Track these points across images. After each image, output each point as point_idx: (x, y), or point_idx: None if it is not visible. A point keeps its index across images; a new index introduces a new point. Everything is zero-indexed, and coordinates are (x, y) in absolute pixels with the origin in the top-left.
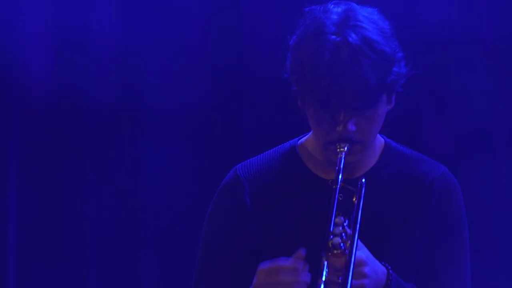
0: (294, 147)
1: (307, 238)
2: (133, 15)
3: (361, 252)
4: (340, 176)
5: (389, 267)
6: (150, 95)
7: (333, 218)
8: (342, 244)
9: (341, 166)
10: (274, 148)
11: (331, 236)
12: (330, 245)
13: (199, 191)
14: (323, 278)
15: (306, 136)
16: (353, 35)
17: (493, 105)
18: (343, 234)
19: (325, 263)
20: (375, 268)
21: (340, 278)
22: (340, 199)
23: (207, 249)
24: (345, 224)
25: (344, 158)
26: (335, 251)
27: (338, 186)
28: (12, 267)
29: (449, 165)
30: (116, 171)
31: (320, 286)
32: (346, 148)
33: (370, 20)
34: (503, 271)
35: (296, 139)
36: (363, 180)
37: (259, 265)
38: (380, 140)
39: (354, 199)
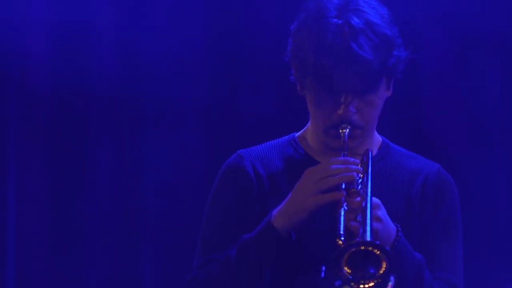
0: (293, 137)
1: (311, 221)
2: (135, 7)
3: (375, 198)
4: (345, 147)
5: (398, 225)
6: (151, 87)
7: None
8: (359, 186)
9: (346, 140)
10: (273, 140)
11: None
12: (348, 183)
13: (200, 183)
14: (342, 212)
15: (304, 129)
16: (355, 18)
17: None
18: (359, 176)
19: (344, 197)
20: (387, 217)
21: (358, 217)
22: None
23: (213, 226)
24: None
25: (347, 136)
26: (352, 190)
27: (342, 154)
28: (12, 265)
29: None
30: (117, 166)
31: (341, 218)
32: (348, 129)
33: (370, 5)
34: (503, 269)
35: (294, 133)
36: (369, 149)
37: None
38: (378, 137)
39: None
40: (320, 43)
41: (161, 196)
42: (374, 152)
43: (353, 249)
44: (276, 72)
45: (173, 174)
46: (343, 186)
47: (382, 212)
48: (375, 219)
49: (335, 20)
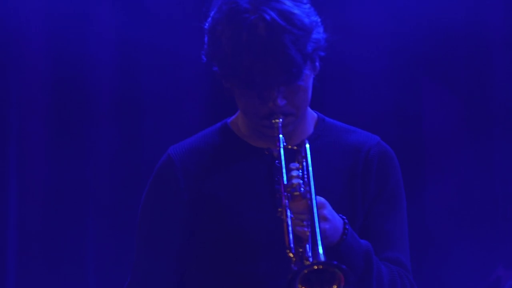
0: (225, 123)
1: (249, 206)
2: (133, 7)
3: (319, 197)
4: (282, 137)
5: (345, 218)
6: (148, 85)
7: (284, 165)
8: (302, 188)
9: (280, 132)
10: (206, 129)
11: (290, 180)
12: (290, 188)
13: None
14: (289, 221)
15: (234, 115)
16: (269, 11)
17: None
18: (300, 181)
19: (287, 202)
20: (334, 213)
21: (305, 222)
22: (278, 165)
23: (145, 237)
24: (299, 172)
25: (281, 126)
26: (295, 193)
27: (282, 146)
28: (12, 263)
29: None
30: (118, 164)
31: (289, 228)
32: (281, 120)
33: None
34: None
35: (225, 119)
36: (306, 140)
37: None
38: (313, 114)
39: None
40: (236, 42)
41: None
42: (311, 130)
43: (306, 271)
44: None
45: None
46: (284, 193)
47: (327, 211)
48: (322, 219)
49: (249, 15)
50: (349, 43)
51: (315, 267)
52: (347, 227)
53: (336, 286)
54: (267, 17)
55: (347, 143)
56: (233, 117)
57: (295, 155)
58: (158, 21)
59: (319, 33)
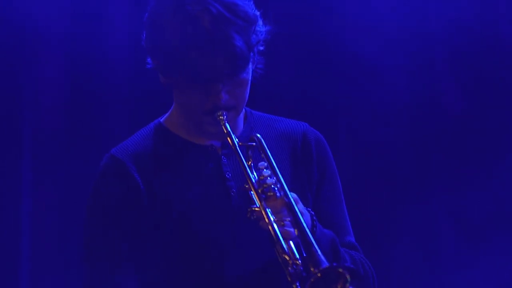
0: (159, 123)
1: (204, 205)
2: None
3: (292, 193)
4: (233, 136)
5: (310, 210)
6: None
7: (247, 168)
8: (275, 187)
9: (228, 129)
10: (140, 130)
11: (262, 180)
12: (263, 188)
13: None
14: (274, 225)
15: (167, 113)
16: (213, 3)
17: None
18: (273, 180)
19: (264, 204)
20: (303, 206)
21: (285, 221)
22: (225, 162)
23: (98, 243)
24: (269, 171)
25: (226, 121)
26: (269, 194)
27: (237, 145)
28: (26, 265)
29: None
30: None
31: (275, 230)
32: (224, 115)
33: None
34: None
35: (158, 119)
36: (257, 134)
37: None
38: None
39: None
40: (181, 35)
41: None
42: (242, 126)
43: (312, 280)
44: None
45: None
46: (262, 196)
47: (300, 205)
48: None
49: (193, 7)
50: (363, 39)
51: (319, 274)
52: (315, 218)
53: (340, 286)
54: (213, 9)
55: (280, 132)
56: (166, 115)
57: (245, 151)
58: None
59: (260, 26)
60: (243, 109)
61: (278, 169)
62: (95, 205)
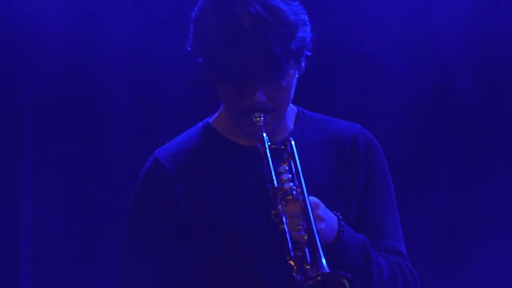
0: (207, 123)
1: (242, 206)
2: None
3: (312, 197)
4: (266, 137)
5: (339, 214)
6: (164, 87)
7: (271, 165)
8: (294, 192)
9: (263, 131)
10: (188, 130)
11: (281, 184)
12: (282, 192)
13: None
14: (286, 228)
15: (217, 113)
16: (255, 4)
17: None
18: (292, 184)
19: (281, 208)
20: (328, 211)
21: (300, 225)
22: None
23: (135, 243)
24: (289, 175)
25: (263, 124)
26: (288, 197)
27: (267, 147)
28: (26, 267)
29: None
30: (134, 166)
31: (286, 235)
32: (262, 117)
33: None
34: None
35: (207, 118)
36: (290, 138)
37: None
38: (293, 108)
39: (285, 161)
40: (219, 33)
41: None
42: (292, 125)
43: (311, 282)
44: None
45: None
46: (277, 199)
47: (322, 210)
48: (318, 219)
49: (235, 7)
50: (364, 38)
51: (319, 278)
52: (342, 223)
53: None
54: (253, 10)
55: (331, 133)
56: (215, 115)
57: (281, 153)
58: (174, 24)
59: (305, 32)
60: (296, 109)
61: (321, 171)
62: (133, 205)
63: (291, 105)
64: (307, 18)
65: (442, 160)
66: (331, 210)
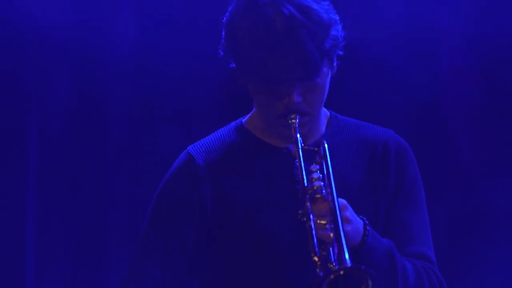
0: (241, 123)
1: (272, 206)
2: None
3: (341, 199)
4: (300, 138)
5: (365, 219)
6: (167, 88)
7: (303, 166)
8: (323, 191)
9: (297, 132)
10: (221, 128)
11: (311, 183)
12: (311, 190)
13: None
14: (312, 225)
15: (249, 114)
16: (287, 5)
17: None
18: (322, 183)
19: (309, 205)
20: (354, 214)
21: (327, 224)
22: (297, 165)
23: (153, 236)
24: (319, 174)
25: (298, 126)
26: (317, 196)
27: (300, 148)
28: (31, 265)
29: None
30: (137, 166)
31: (312, 232)
32: (297, 119)
33: None
34: None
35: (240, 118)
36: (323, 140)
37: None
38: (325, 112)
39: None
40: (253, 36)
41: None
42: (323, 129)
43: (333, 276)
44: None
45: None
46: (306, 196)
47: (349, 212)
48: (345, 221)
49: (266, 9)
50: (365, 38)
51: (341, 272)
52: (368, 227)
53: None
54: (285, 11)
55: (363, 138)
56: (248, 116)
57: (313, 155)
58: (178, 25)
59: (337, 31)
60: (328, 113)
61: (353, 174)
62: (159, 198)
63: (323, 109)
64: (338, 17)
65: (442, 160)
66: (362, 213)
